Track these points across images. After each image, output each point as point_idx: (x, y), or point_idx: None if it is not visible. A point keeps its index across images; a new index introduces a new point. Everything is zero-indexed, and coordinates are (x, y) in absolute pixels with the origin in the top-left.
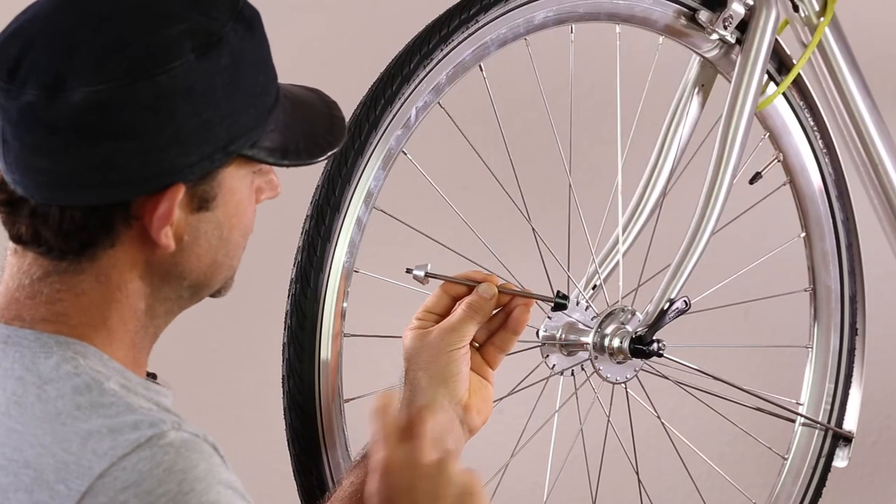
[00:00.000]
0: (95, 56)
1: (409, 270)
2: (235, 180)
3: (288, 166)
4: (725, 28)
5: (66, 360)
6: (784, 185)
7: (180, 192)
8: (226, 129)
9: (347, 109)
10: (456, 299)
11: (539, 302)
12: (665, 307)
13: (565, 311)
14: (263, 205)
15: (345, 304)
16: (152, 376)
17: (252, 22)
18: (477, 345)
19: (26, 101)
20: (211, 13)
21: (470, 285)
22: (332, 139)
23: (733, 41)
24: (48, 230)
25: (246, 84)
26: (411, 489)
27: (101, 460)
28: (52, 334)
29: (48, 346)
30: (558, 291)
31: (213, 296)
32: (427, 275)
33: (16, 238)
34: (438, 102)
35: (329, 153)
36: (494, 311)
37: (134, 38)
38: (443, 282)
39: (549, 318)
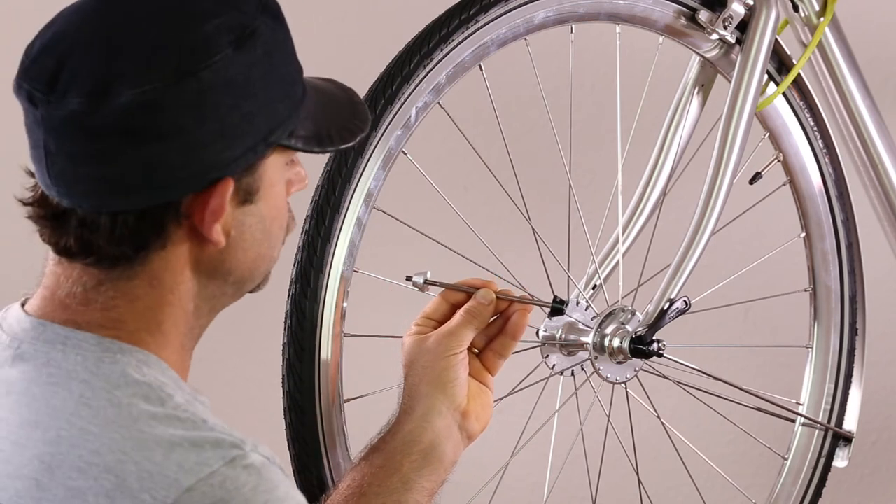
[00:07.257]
0: (138, 58)
1: (408, 278)
2: (274, 172)
3: (322, 153)
4: (725, 28)
5: (131, 367)
6: (784, 185)
7: (230, 187)
8: (265, 119)
9: None
10: (455, 306)
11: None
12: (665, 307)
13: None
14: None
15: (345, 304)
16: None
17: (277, 13)
18: (476, 351)
19: (70, 110)
20: (241, 7)
21: (469, 292)
22: (359, 123)
23: (733, 41)
24: (100, 239)
25: (279, 74)
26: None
27: (188, 475)
28: (113, 340)
29: (112, 352)
30: (555, 297)
31: (251, 291)
32: (426, 282)
33: (63, 251)
34: (438, 102)
35: (359, 137)
36: (493, 317)
37: (174, 37)
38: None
39: (548, 318)
